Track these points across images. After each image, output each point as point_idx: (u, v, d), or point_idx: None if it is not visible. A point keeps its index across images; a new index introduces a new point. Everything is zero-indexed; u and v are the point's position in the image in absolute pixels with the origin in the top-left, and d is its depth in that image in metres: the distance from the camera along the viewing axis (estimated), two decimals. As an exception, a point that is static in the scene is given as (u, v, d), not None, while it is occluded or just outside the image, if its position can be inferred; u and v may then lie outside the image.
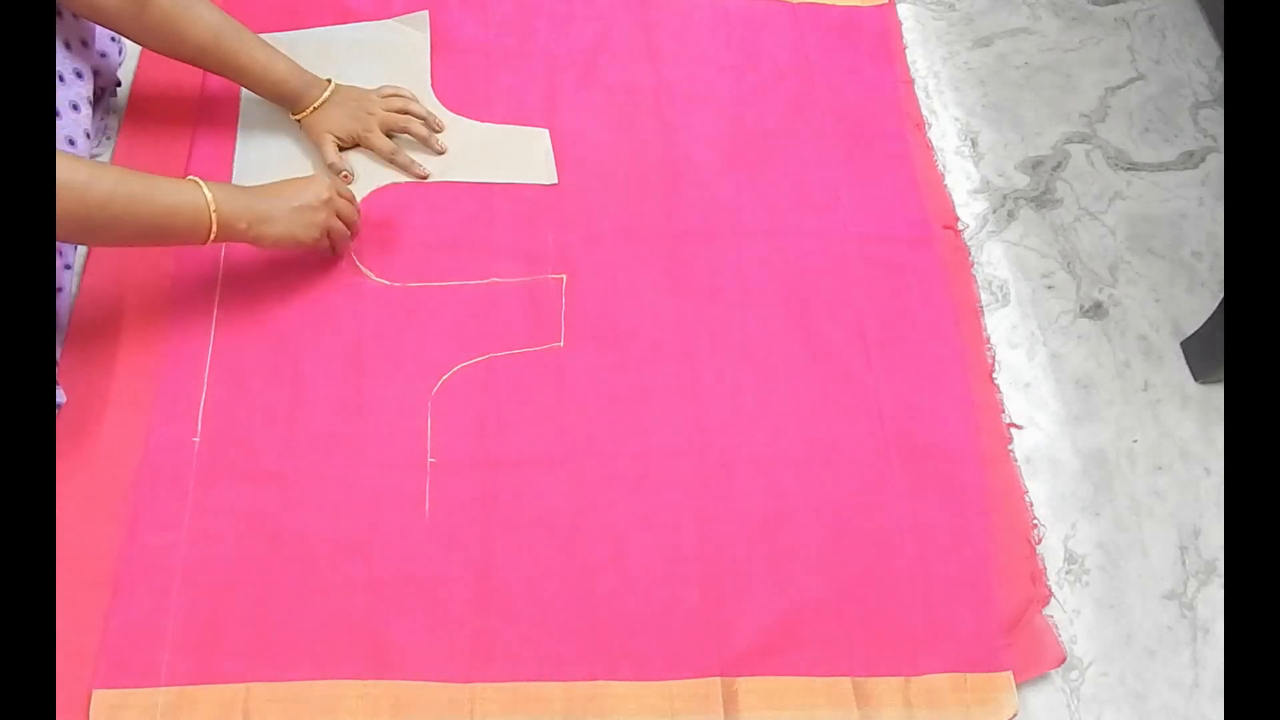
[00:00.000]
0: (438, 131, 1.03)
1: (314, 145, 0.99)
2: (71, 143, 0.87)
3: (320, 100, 0.97)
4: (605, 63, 1.13)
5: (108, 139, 0.99)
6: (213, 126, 1.01)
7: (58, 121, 0.85)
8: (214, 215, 0.79)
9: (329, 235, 0.89)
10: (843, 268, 1.01)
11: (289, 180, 0.87)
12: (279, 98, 0.96)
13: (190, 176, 0.80)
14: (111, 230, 0.75)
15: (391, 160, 1.00)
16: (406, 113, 1.01)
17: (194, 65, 0.91)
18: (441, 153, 1.03)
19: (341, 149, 0.99)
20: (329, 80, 0.98)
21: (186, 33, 0.87)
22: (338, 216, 0.89)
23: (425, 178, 1.01)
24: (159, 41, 0.88)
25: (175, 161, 0.98)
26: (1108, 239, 1.09)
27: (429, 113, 1.03)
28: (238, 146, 1.00)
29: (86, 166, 0.72)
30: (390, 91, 1.02)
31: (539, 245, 0.99)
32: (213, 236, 0.80)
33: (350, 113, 0.99)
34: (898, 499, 0.89)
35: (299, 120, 0.98)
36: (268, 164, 0.99)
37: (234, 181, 0.97)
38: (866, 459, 0.91)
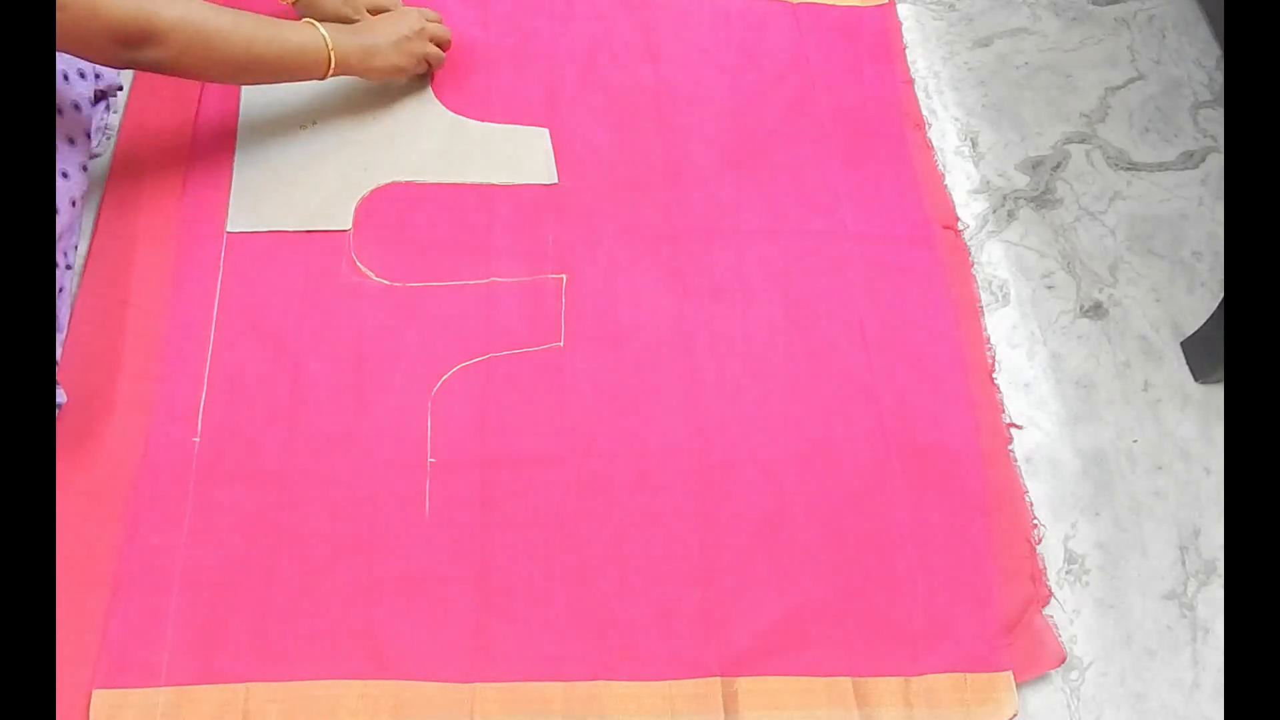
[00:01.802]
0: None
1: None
2: (72, 142, 0.87)
3: None
4: (605, 63, 1.13)
5: (108, 138, 0.99)
6: (213, 127, 1.01)
7: (59, 120, 0.86)
8: (331, 52, 0.92)
9: (426, 60, 1.03)
10: (843, 268, 1.01)
11: (382, 16, 1.01)
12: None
13: (307, 19, 0.94)
14: (253, 70, 0.89)
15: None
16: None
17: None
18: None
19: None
20: None
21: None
22: (431, 41, 1.02)
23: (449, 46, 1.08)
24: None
25: (176, 161, 0.98)
26: (1108, 239, 1.09)
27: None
28: (238, 146, 1.00)
29: (228, 13, 0.85)
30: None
31: (539, 245, 0.99)
32: (331, 71, 0.93)
33: None
34: (898, 499, 0.89)
35: (293, 3, 0.99)
36: (268, 164, 0.99)
37: (235, 182, 0.98)
38: (866, 459, 0.91)
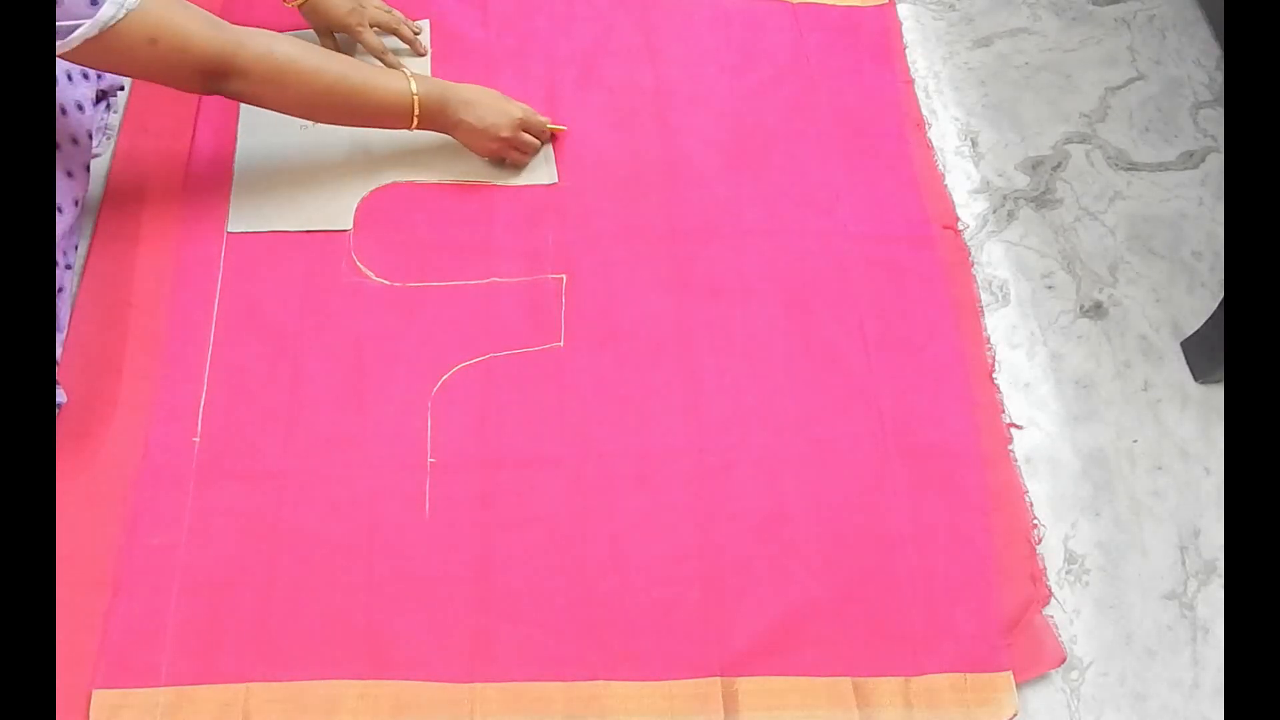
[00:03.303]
0: (417, 34, 1.09)
1: (316, 34, 1.04)
2: (75, 142, 0.87)
3: None
4: (605, 63, 1.13)
5: (108, 139, 0.99)
6: (213, 126, 1.01)
7: (61, 120, 0.86)
8: (416, 100, 0.92)
9: (516, 147, 1.00)
10: (843, 268, 1.01)
11: (490, 90, 0.99)
12: None
13: (402, 70, 0.94)
14: (336, 110, 0.90)
15: (381, 57, 1.05)
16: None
17: None
18: (423, 54, 1.09)
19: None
20: None
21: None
22: (527, 130, 1.00)
23: (424, 54, 1.08)
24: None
25: (175, 162, 0.98)
26: (1108, 239, 1.09)
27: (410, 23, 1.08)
28: (238, 147, 1.00)
29: (318, 53, 0.88)
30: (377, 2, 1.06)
31: (539, 245, 0.99)
32: (416, 122, 0.94)
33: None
34: (898, 499, 0.89)
35: (299, 6, 1.00)
36: (268, 164, 0.99)
37: (235, 182, 0.98)
38: (866, 459, 0.91)
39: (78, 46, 0.72)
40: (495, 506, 0.84)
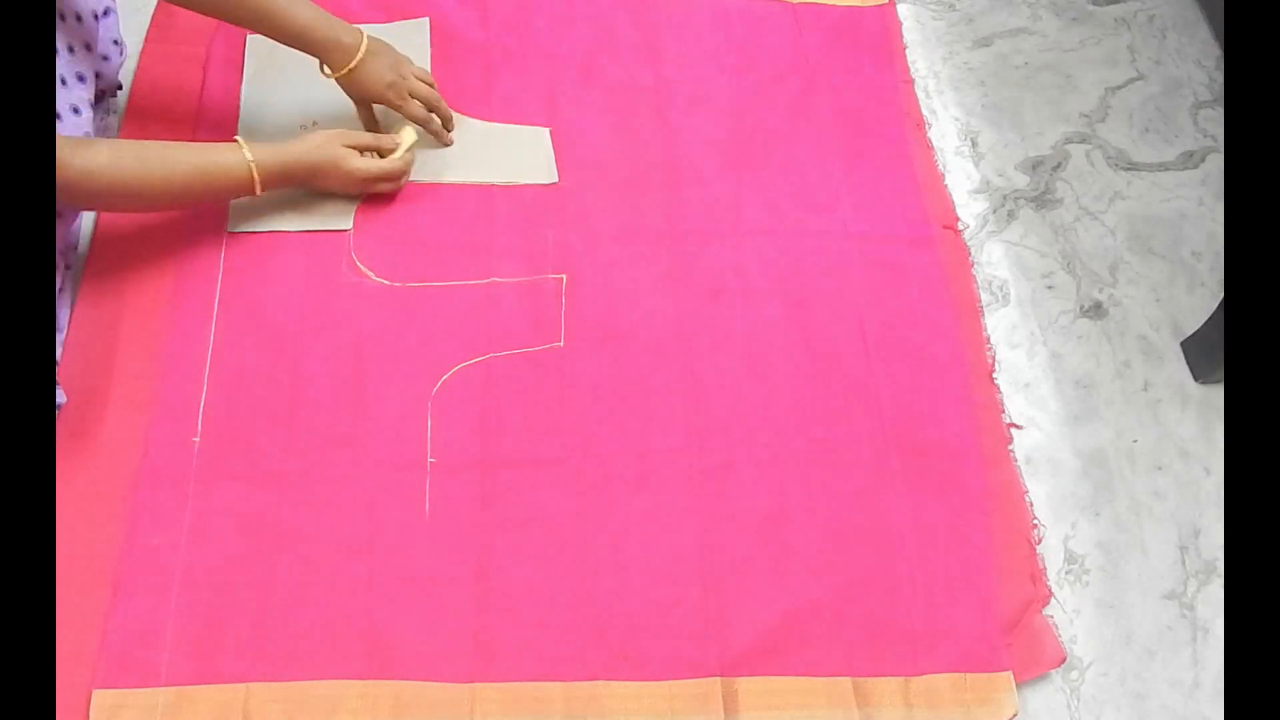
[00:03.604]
0: (450, 129, 1.04)
1: (353, 103, 0.98)
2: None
3: (360, 56, 0.93)
4: (605, 63, 1.13)
5: (109, 139, 0.99)
6: (213, 128, 1.01)
7: (59, 124, 0.85)
8: (253, 167, 0.87)
9: (382, 180, 0.95)
10: (843, 268, 1.01)
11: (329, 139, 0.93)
12: (307, 46, 0.92)
13: (234, 140, 0.88)
14: (177, 200, 0.87)
15: (426, 126, 1.00)
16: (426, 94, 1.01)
17: (215, 15, 0.89)
18: (449, 144, 1.03)
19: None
20: (360, 31, 0.95)
21: None
22: (382, 178, 0.95)
23: (449, 145, 1.03)
24: None
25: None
26: (1108, 239, 1.09)
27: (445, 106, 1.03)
28: (238, 146, 1.00)
29: (136, 154, 0.81)
30: (418, 70, 1.01)
31: (539, 245, 0.98)
32: (259, 188, 0.89)
33: (389, 65, 0.96)
34: (898, 499, 0.89)
35: (339, 79, 0.95)
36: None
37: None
38: (866, 459, 0.91)
39: None
40: (495, 506, 0.84)
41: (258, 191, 0.89)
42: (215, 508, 0.82)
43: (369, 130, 1.00)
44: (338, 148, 0.93)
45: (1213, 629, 0.87)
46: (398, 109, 0.98)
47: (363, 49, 0.93)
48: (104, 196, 0.81)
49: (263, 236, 0.95)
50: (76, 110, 0.87)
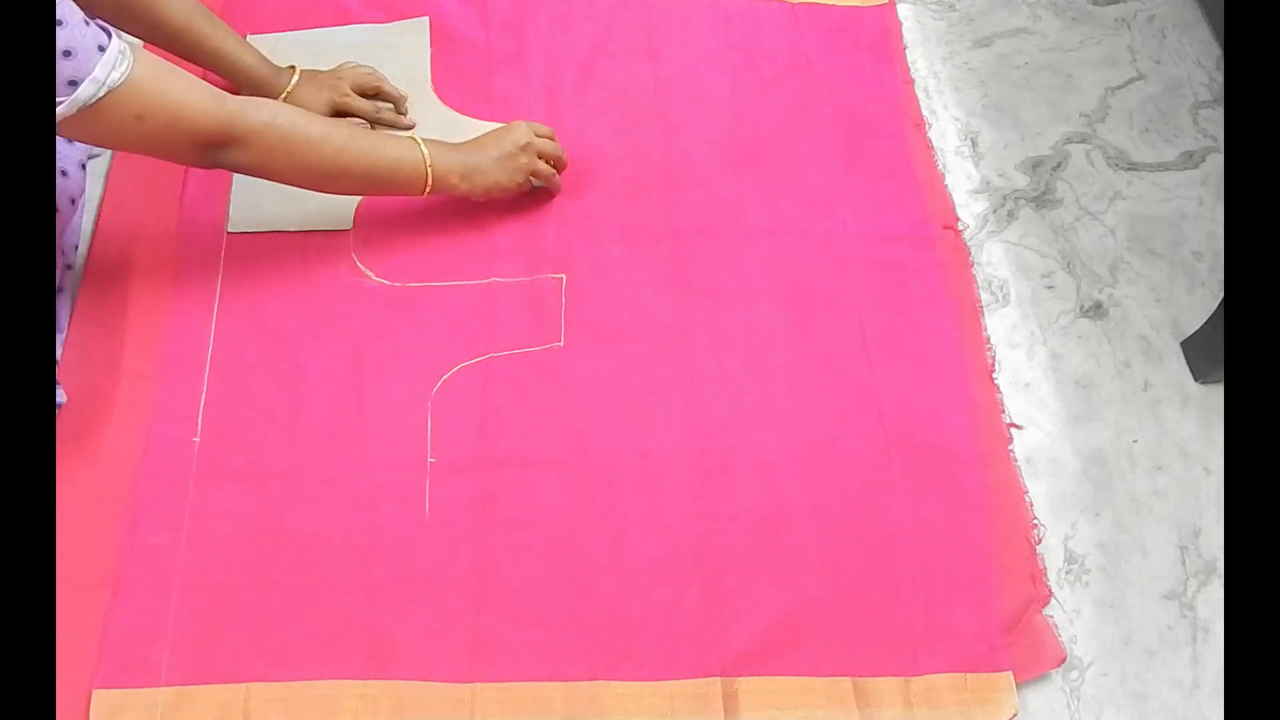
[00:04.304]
0: (404, 99, 1.06)
1: None
2: (72, 142, 0.87)
3: (291, 84, 0.98)
4: (605, 63, 1.13)
5: (108, 139, 0.99)
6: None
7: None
8: (429, 170, 0.89)
9: (535, 175, 0.97)
10: (843, 268, 1.01)
11: (490, 132, 0.96)
12: (249, 84, 0.97)
13: (410, 134, 0.93)
14: (344, 180, 0.87)
15: (376, 120, 1.03)
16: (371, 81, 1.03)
17: (166, 49, 0.90)
18: (410, 126, 1.05)
19: None
20: (293, 67, 1.00)
21: (162, 14, 0.88)
22: (540, 156, 0.96)
23: (411, 128, 1.04)
24: (133, 24, 0.88)
25: (173, 167, 0.98)
26: (1108, 239, 1.09)
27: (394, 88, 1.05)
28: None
29: (321, 122, 0.84)
30: (350, 65, 1.04)
31: (539, 245, 0.99)
32: (429, 189, 0.90)
33: (323, 84, 1.00)
34: (898, 499, 0.89)
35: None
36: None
37: (235, 182, 0.98)
38: (866, 459, 0.91)
39: (58, 123, 0.68)
40: (495, 506, 0.84)
41: (425, 193, 0.91)
42: (215, 508, 0.82)
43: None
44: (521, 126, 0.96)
45: (1213, 629, 0.87)
46: (345, 110, 1.01)
47: (294, 80, 0.98)
48: (274, 153, 0.81)
49: (263, 236, 0.95)
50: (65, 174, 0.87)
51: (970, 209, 1.09)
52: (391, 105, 1.05)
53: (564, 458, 0.87)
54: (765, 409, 0.92)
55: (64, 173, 0.85)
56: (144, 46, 0.77)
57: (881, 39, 1.20)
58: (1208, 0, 1.18)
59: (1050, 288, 1.05)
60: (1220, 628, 0.87)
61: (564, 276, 0.97)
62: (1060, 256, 1.07)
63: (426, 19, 1.12)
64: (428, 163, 0.89)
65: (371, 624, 0.78)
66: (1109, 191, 1.12)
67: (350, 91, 1.00)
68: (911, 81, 1.18)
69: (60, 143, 0.86)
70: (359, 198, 0.98)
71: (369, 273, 0.95)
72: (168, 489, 0.82)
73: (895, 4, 1.25)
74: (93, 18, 0.68)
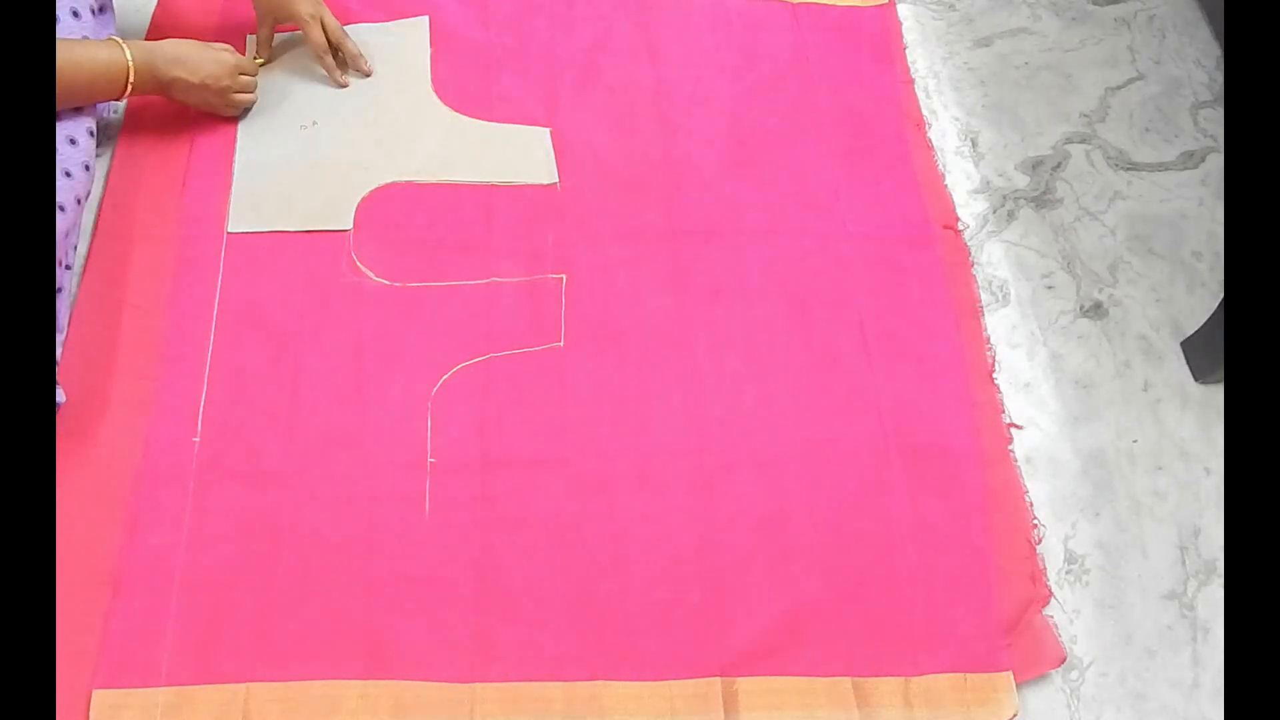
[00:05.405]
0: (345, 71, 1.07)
1: (258, 20, 1.03)
2: (73, 142, 0.87)
3: None
4: (605, 63, 1.13)
5: (109, 139, 0.99)
6: (212, 127, 1.01)
7: (60, 123, 0.86)
8: (130, 66, 0.88)
9: (237, 91, 0.97)
10: (843, 268, 1.01)
11: (198, 47, 0.95)
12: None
13: (111, 38, 0.89)
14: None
15: (321, 58, 1.03)
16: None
17: None
18: (368, 73, 1.07)
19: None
20: None
21: None
22: (241, 71, 0.98)
23: (345, 85, 1.05)
24: None
25: (175, 162, 0.98)
26: (1108, 239, 1.09)
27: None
28: (238, 146, 1.00)
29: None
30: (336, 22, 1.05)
31: (539, 245, 0.99)
32: (130, 89, 0.89)
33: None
34: (898, 499, 0.89)
35: None
36: (269, 164, 0.99)
37: (235, 182, 0.98)
38: (866, 459, 0.91)
39: None
40: (495, 506, 0.84)
41: (126, 92, 0.89)
42: (215, 508, 0.82)
43: (261, 50, 1.05)
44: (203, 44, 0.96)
45: (1213, 629, 0.87)
46: (303, 27, 1.01)
47: None
48: None
49: (263, 236, 0.95)
50: (78, 109, 0.87)
51: (970, 209, 1.09)
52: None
53: (564, 458, 0.87)
54: (765, 409, 0.92)
55: (66, 173, 0.85)
56: None
57: (881, 39, 1.20)
58: (1208, 0, 1.18)
59: (1050, 288, 1.05)
60: (1220, 628, 0.87)
61: (564, 276, 0.97)
62: (1060, 256, 1.07)
63: (426, 19, 1.12)
64: (129, 60, 0.88)
65: (371, 624, 0.78)
66: (1109, 191, 1.12)
67: (318, 25, 1.01)
68: (911, 81, 1.18)
69: (62, 145, 0.86)
70: (359, 198, 0.98)
71: (369, 273, 0.95)
72: (168, 489, 0.82)
73: (895, 4, 1.25)
74: None
